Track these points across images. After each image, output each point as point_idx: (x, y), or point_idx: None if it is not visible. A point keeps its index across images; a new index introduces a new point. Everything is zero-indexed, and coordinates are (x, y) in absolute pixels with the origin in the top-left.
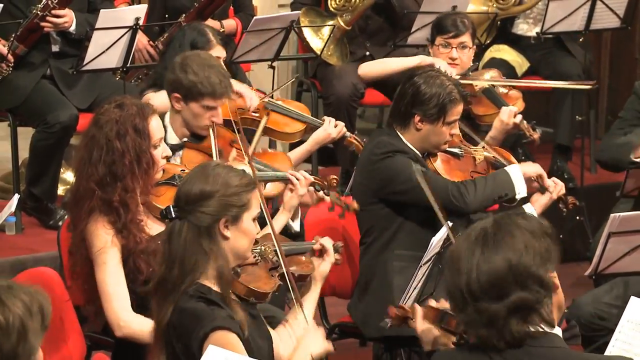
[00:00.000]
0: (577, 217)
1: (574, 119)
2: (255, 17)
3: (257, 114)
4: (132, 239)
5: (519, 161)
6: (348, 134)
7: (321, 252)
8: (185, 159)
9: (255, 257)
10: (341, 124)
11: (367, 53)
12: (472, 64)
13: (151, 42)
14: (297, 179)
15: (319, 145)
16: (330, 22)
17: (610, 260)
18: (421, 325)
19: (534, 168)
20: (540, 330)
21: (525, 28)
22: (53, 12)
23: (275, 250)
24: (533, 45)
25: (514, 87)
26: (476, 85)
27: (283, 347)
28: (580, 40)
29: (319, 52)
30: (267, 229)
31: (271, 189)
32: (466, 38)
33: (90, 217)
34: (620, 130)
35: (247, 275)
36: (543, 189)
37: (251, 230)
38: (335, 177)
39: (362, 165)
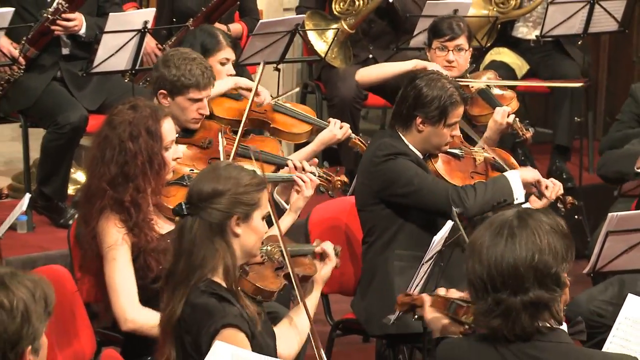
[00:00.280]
0: (576, 216)
1: (573, 120)
2: (260, 21)
3: (263, 114)
4: (143, 237)
5: (519, 162)
6: (353, 135)
7: (322, 256)
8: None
9: (262, 256)
10: (346, 126)
11: (370, 56)
12: (469, 66)
13: (159, 45)
14: (304, 181)
15: (324, 145)
16: (335, 26)
17: (608, 258)
18: (429, 313)
19: (532, 174)
20: (548, 326)
21: (525, 31)
22: (63, 15)
23: (281, 251)
24: (532, 48)
25: (509, 87)
26: (472, 87)
27: (283, 346)
28: (579, 43)
29: (323, 55)
30: (271, 230)
31: None
32: (462, 41)
33: (102, 214)
34: (617, 132)
35: (255, 274)
36: (540, 195)
37: (260, 228)
38: (339, 180)
39: (365, 166)
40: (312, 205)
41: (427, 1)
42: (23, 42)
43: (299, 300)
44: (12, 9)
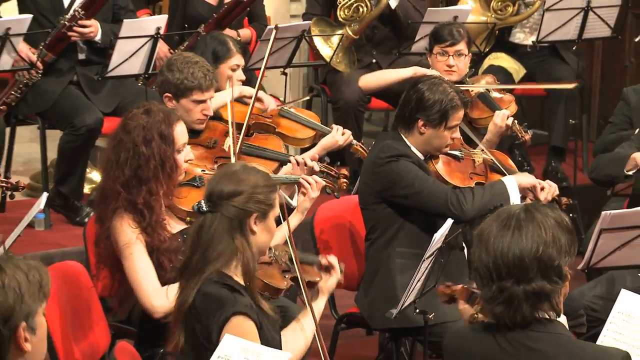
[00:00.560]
0: (571, 215)
1: (568, 122)
2: (268, 27)
3: (270, 119)
4: (157, 237)
5: (516, 162)
6: (354, 142)
7: (328, 268)
8: None
9: (270, 257)
10: (348, 132)
11: (374, 61)
12: (468, 71)
13: (171, 50)
14: (310, 184)
15: (326, 151)
16: (339, 32)
17: (601, 255)
18: (461, 304)
19: (528, 179)
20: (547, 317)
21: (521, 37)
22: (80, 22)
23: (289, 256)
24: (529, 53)
25: (507, 91)
26: (472, 90)
27: (290, 347)
28: (574, 48)
29: (328, 60)
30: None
31: None
32: (462, 46)
33: (115, 214)
34: (611, 134)
35: (263, 272)
36: (536, 199)
37: (273, 228)
38: (345, 181)
39: (368, 167)
40: (317, 204)
41: (428, 8)
42: (41, 47)
43: (306, 303)
44: (30, 16)
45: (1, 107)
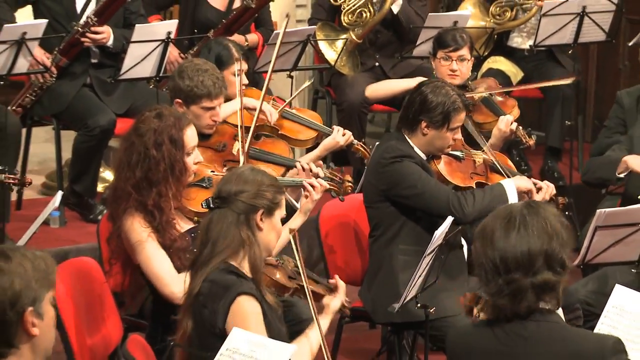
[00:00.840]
0: (567, 212)
1: (564, 123)
2: (275, 32)
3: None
4: (168, 237)
5: (514, 162)
6: (355, 141)
7: (333, 290)
8: None
9: (277, 260)
10: (348, 133)
11: (377, 64)
12: (471, 74)
13: (181, 54)
14: (313, 187)
15: (327, 151)
16: (343, 36)
17: (596, 251)
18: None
19: (526, 183)
20: (547, 308)
21: (519, 41)
22: (92, 29)
23: (295, 264)
24: (526, 56)
25: (509, 95)
26: (475, 95)
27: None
28: (570, 52)
29: (333, 63)
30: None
31: None
32: (465, 51)
33: (126, 213)
34: (606, 139)
35: (270, 271)
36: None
37: (279, 227)
38: (350, 185)
39: (373, 166)
40: (322, 202)
41: (429, 13)
42: (55, 52)
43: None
44: (45, 21)
45: (17, 109)
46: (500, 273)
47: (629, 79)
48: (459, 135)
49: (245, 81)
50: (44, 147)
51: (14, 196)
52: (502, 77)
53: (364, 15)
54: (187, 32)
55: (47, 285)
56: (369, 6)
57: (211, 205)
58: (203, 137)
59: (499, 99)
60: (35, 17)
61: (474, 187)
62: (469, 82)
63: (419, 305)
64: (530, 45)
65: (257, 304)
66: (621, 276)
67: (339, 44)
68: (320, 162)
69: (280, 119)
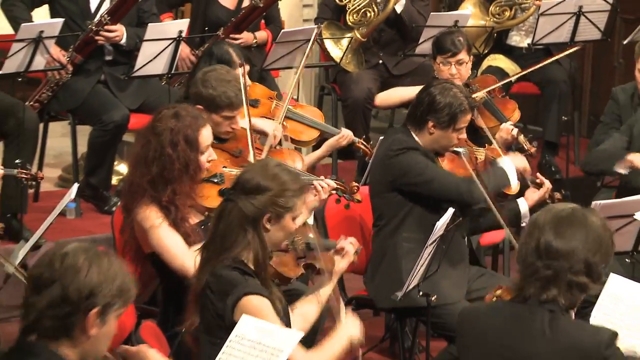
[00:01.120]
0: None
1: (560, 119)
2: (283, 30)
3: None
4: (182, 232)
5: None
6: (356, 139)
7: (341, 252)
8: None
9: (287, 245)
10: (349, 134)
11: (380, 61)
12: (470, 73)
13: (193, 52)
14: (322, 187)
15: (330, 151)
16: (348, 35)
17: None
18: None
19: (521, 161)
20: (565, 304)
21: (518, 39)
22: (106, 27)
23: (306, 244)
24: (525, 54)
25: (509, 97)
26: (476, 97)
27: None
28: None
29: (338, 61)
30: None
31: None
32: (462, 55)
33: (141, 204)
34: (604, 134)
35: (277, 259)
36: (532, 180)
37: (289, 227)
38: (356, 184)
39: (379, 159)
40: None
41: (431, 13)
42: (70, 49)
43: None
44: (61, 20)
45: (35, 105)
46: (541, 257)
47: (623, 76)
48: (463, 135)
49: (248, 82)
50: (61, 142)
51: (31, 188)
52: (501, 74)
53: (368, 14)
54: (198, 30)
55: (122, 301)
56: (373, 6)
57: (225, 197)
58: (219, 140)
59: (499, 97)
60: (52, 17)
61: None
62: (469, 81)
63: (421, 293)
64: (528, 44)
65: (265, 300)
66: (616, 265)
67: (344, 42)
68: (333, 185)
69: (285, 120)
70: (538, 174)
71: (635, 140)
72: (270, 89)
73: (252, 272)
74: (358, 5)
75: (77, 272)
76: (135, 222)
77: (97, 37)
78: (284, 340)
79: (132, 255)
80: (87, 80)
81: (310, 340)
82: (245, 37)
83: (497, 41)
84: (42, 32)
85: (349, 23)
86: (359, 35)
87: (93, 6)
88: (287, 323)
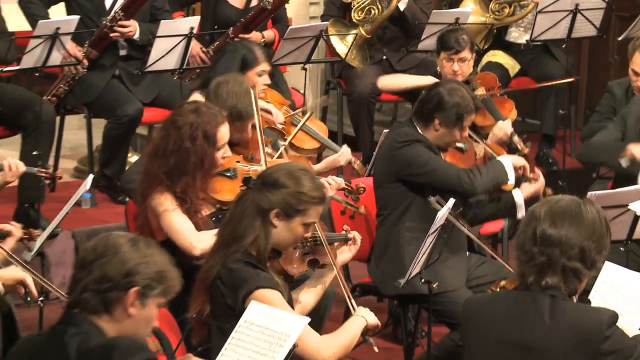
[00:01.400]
0: (559, 183)
1: (558, 112)
2: (290, 27)
3: (283, 126)
4: (193, 221)
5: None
6: (353, 159)
7: (347, 242)
8: None
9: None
10: (348, 153)
11: (384, 57)
12: (472, 70)
13: (203, 48)
14: (329, 184)
15: (329, 168)
16: (354, 31)
17: None
18: None
19: (519, 160)
20: (565, 291)
21: (516, 35)
22: (120, 23)
23: (314, 239)
24: (523, 50)
25: (508, 97)
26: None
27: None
28: (563, 46)
29: (343, 56)
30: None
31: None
32: (465, 53)
33: (156, 191)
34: (597, 123)
35: (284, 256)
36: (526, 179)
37: (297, 231)
38: (362, 186)
39: (385, 150)
40: None
41: (433, 10)
42: (86, 45)
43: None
44: (77, 17)
45: (52, 99)
46: (537, 244)
47: (618, 72)
48: (466, 133)
49: (268, 82)
50: (77, 134)
51: (49, 186)
52: (500, 70)
53: (373, 12)
54: (208, 28)
55: (162, 289)
56: (377, 4)
57: (247, 184)
58: (231, 143)
59: (498, 95)
60: (68, 14)
61: None
62: (470, 77)
63: (422, 280)
64: (526, 40)
65: (277, 292)
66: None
67: (350, 38)
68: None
69: (289, 126)
70: (535, 168)
71: (630, 130)
72: (278, 83)
73: (262, 265)
74: (363, 3)
75: (117, 252)
76: (149, 208)
77: (111, 33)
78: (291, 326)
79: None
80: (102, 75)
81: (317, 325)
82: (254, 36)
83: (497, 37)
84: (58, 28)
85: (354, 20)
86: (363, 32)
87: (108, 4)
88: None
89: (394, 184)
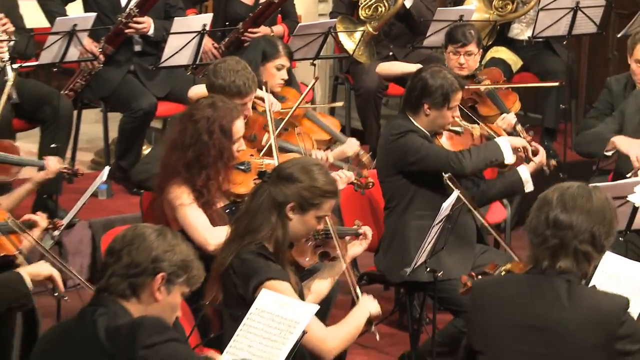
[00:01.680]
0: (560, 175)
1: (559, 107)
2: (299, 24)
3: (296, 118)
4: (208, 215)
5: None
6: (361, 151)
7: (358, 236)
8: None
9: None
10: (357, 145)
11: (391, 53)
12: (478, 64)
13: (215, 44)
14: (340, 177)
15: (338, 159)
16: (361, 28)
17: None
18: None
19: (519, 140)
20: (579, 275)
21: (518, 31)
22: (135, 19)
23: (326, 233)
24: (525, 46)
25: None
26: (482, 88)
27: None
28: (564, 42)
29: (351, 52)
30: None
31: None
32: (472, 47)
33: (174, 184)
34: (592, 118)
35: (296, 247)
36: (527, 160)
37: (311, 224)
38: (371, 181)
39: (382, 145)
40: None
41: (438, 8)
42: (102, 41)
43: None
44: (94, 14)
45: (69, 93)
46: (549, 227)
47: (617, 67)
48: (457, 113)
49: (286, 77)
50: (93, 127)
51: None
52: (503, 65)
53: (380, 9)
54: (219, 25)
55: (187, 277)
56: (384, 1)
57: (262, 178)
58: None
59: (502, 90)
60: (85, 11)
61: None
62: (476, 72)
63: (428, 269)
64: (528, 37)
65: (287, 283)
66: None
67: (357, 35)
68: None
69: (302, 118)
70: (533, 142)
71: (627, 122)
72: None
73: (274, 257)
74: (370, 1)
75: (145, 240)
76: (165, 200)
77: (126, 29)
78: (301, 313)
79: None
80: (117, 71)
81: (323, 314)
82: (263, 31)
83: (499, 34)
84: (75, 25)
85: (362, 17)
86: (370, 29)
87: (123, 1)
88: None
89: (395, 176)
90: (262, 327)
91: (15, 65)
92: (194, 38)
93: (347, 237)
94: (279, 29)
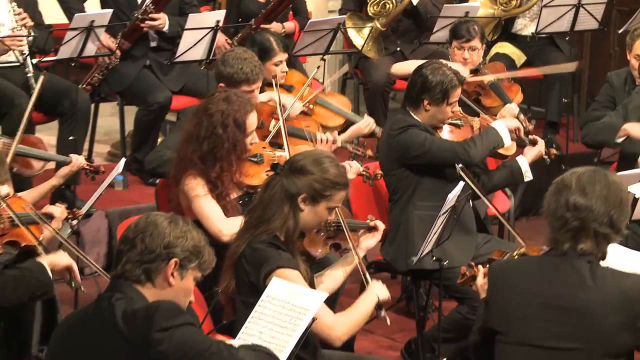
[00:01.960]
0: (562, 166)
1: (561, 101)
2: (310, 20)
3: (307, 107)
4: (222, 206)
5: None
6: (377, 128)
7: (370, 230)
8: None
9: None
10: (372, 123)
11: (398, 49)
12: (481, 59)
13: (228, 40)
14: (350, 166)
15: (353, 137)
16: (369, 24)
17: None
18: (481, 280)
19: (513, 122)
20: (598, 256)
21: (522, 25)
22: (151, 15)
23: (337, 225)
24: (529, 42)
25: (514, 80)
26: (485, 80)
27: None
28: (567, 38)
29: (360, 48)
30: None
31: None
32: (476, 42)
33: (190, 176)
34: (594, 111)
35: (308, 238)
36: (520, 141)
37: (322, 215)
38: (380, 172)
39: (384, 139)
40: None
41: (444, 4)
42: (119, 37)
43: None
44: (111, 10)
45: (87, 87)
46: (569, 209)
47: (618, 63)
48: (456, 108)
49: (286, 69)
50: (110, 120)
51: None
52: (507, 60)
53: (388, 6)
54: (233, 21)
55: (198, 263)
56: None
57: (275, 170)
58: None
59: (505, 83)
60: (102, 7)
61: None
62: (480, 66)
63: (434, 258)
64: (532, 33)
65: (296, 272)
66: None
67: (366, 31)
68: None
69: (314, 105)
70: (536, 137)
71: (630, 116)
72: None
73: (285, 247)
74: None
75: (157, 227)
76: (181, 192)
77: (142, 25)
78: (311, 300)
79: None
80: (134, 65)
81: (332, 302)
82: (275, 27)
83: (504, 29)
84: (93, 21)
85: (370, 14)
86: (379, 25)
87: None
88: None
89: (398, 170)
90: (273, 313)
91: (34, 60)
92: (207, 34)
93: (360, 231)
94: (291, 25)
